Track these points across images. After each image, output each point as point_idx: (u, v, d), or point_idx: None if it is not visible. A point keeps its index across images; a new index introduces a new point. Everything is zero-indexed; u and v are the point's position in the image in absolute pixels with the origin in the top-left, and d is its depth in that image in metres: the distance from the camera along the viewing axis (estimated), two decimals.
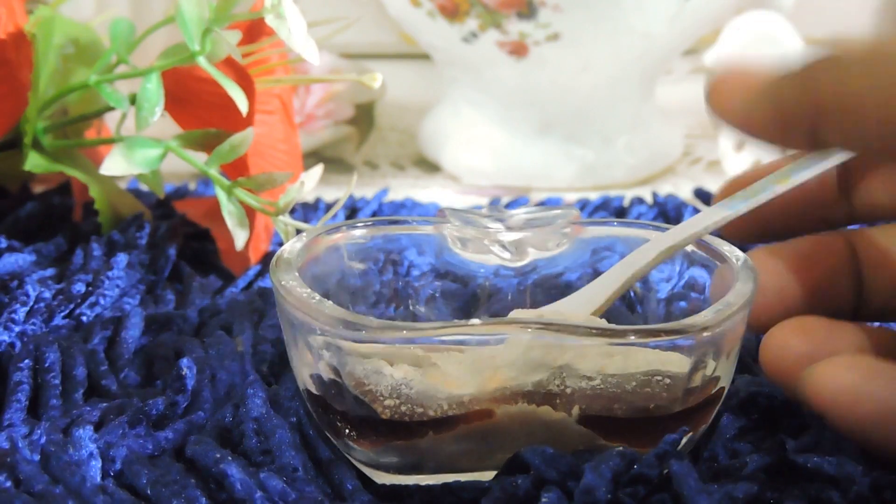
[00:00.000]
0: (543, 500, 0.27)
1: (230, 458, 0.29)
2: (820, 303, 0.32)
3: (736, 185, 0.34)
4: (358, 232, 0.35)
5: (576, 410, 0.28)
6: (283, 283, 0.30)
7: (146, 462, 0.29)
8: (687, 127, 0.71)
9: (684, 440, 0.29)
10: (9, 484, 0.28)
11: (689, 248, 0.34)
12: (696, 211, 0.52)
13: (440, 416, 0.28)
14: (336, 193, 0.57)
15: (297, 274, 0.31)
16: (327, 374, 0.29)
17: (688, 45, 0.63)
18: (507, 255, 0.36)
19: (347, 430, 0.29)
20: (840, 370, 0.27)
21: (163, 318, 0.39)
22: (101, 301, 0.40)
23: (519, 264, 0.36)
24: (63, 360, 0.35)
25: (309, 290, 0.30)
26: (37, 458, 0.30)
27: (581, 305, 0.33)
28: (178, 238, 0.46)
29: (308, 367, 0.30)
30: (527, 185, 0.62)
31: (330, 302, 0.29)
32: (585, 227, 0.36)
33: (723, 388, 0.30)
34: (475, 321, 0.28)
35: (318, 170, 0.44)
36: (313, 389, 0.30)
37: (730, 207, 0.32)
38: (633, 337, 0.28)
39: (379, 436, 0.29)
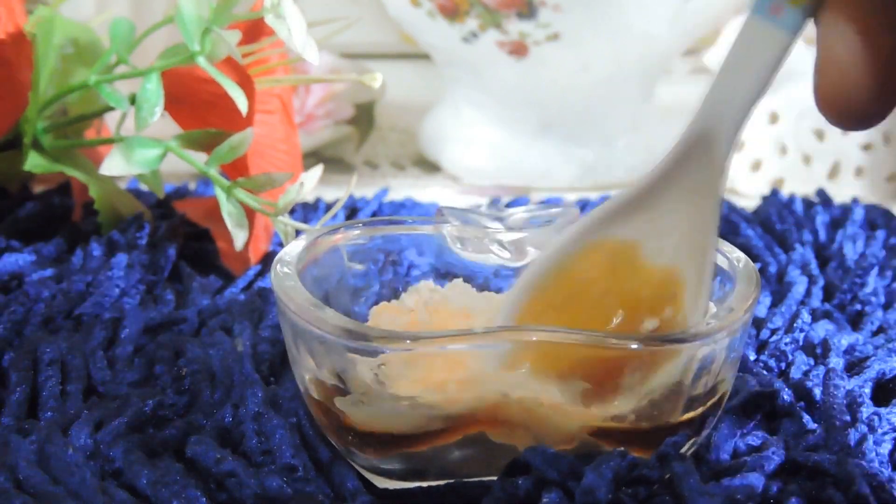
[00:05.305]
0: (544, 500, 0.27)
1: (230, 458, 0.29)
2: None
3: None
4: (357, 232, 0.35)
5: (578, 421, 0.28)
6: (284, 288, 0.30)
7: (146, 462, 0.29)
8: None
9: (687, 445, 0.29)
10: (8, 484, 0.28)
11: None
12: None
13: (443, 424, 0.28)
14: (336, 193, 0.57)
15: (297, 278, 0.31)
16: (330, 381, 0.29)
17: (688, 45, 0.63)
18: (506, 254, 0.35)
19: (350, 437, 0.29)
20: None
21: (162, 318, 0.39)
22: (101, 301, 0.40)
23: (519, 264, 0.36)
24: (62, 361, 0.35)
25: (310, 296, 0.29)
26: (36, 458, 0.30)
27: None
28: (178, 238, 0.46)
29: (310, 372, 0.30)
30: (527, 185, 0.62)
31: (332, 310, 0.29)
32: None
33: (725, 393, 0.30)
34: (477, 328, 0.28)
35: (318, 170, 0.44)
36: (315, 395, 0.30)
37: None
38: (635, 345, 0.28)
39: (382, 443, 0.29)
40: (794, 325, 0.38)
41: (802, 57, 0.60)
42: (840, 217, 0.50)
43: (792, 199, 0.53)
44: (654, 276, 0.30)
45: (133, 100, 0.43)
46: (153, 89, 0.42)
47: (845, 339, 0.37)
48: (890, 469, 0.30)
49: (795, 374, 0.36)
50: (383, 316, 0.33)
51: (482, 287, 0.36)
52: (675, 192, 0.29)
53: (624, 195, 0.30)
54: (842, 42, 0.25)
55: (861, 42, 0.25)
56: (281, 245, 0.46)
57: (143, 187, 0.54)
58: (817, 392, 0.34)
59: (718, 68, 0.28)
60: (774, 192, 0.54)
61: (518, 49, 0.58)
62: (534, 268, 0.31)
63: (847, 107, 0.25)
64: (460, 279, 0.36)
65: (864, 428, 0.31)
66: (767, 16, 0.27)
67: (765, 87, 0.28)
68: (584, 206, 0.54)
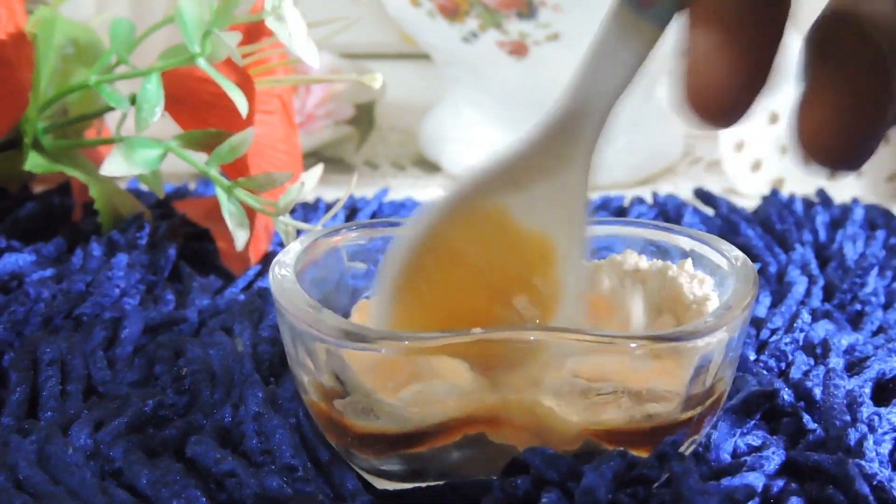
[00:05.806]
0: (543, 500, 0.27)
1: (230, 458, 0.29)
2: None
3: None
4: (357, 233, 0.35)
5: (578, 421, 0.28)
6: (282, 290, 0.30)
7: (146, 462, 0.29)
8: (687, 127, 0.71)
9: (686, 444, 0.29)
10: (8, 484, 0.28)
11: (689, 247, 0.34)
12: (697, 211, 0.52)
13: (443, 426, 0.28)
14: (336, 193, 0.57)
15: (296, 280, 0.30)
16: (329, 382, 0.29)
17: None
18: None
19: (349, 438, 0.29)
20: None
21: (162, 318, 0.39)
22: (101, 301, 0.40)
23: None
24: (62, 361, 0.35)
25: (308, 297, 0.29)
26: (36, 458, 0.30)
27: None
28: (178, 238, 0.46)
29: (309, 374, 0.30)
30: None
31: (330, 311, 0.29)
32: None
33: (724, 392, 0.30)
34: (477, 330, 0.28)
35: (318, 170, 0.44)
36: (314, 396, 0.30)
37: None
38: (633, 344, 0.28)
39: (381, 444, 0.29)
40: (794, 325, 0.38)
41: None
42: (840, 217, 0.51)
43: (792, 199, 0.53)
44: (526, 238, 0.30)
45: (133, 100, 0.43)
46: (153, 89, 0.42)
47: (845, 339, 0.37)
48: (890, 469, 0.30)
49: (795, 374, 0.36)
50: (364, 312, 0.33)
51: None
52: (545, 161, 0.30)
53: (492, 164, 0.30)
54: (705, 37, 0.25)
55: (723, 39, 0.25)
56: (281, 245, 0.46)
57: (143, 187, 0.54)
58: (817, 392, 0.34)
59: (588, 51, 0.28)
60: (774, 192, 0.54)
61: (518, 49, 0.58)
62: (404, 241, 0.30)
63: (707, 103, 0.26)
64: None
65: (864, 428, 0.31)
66: (638, 8, 0.27)
67: (633, 76, 0.29)
68: None
